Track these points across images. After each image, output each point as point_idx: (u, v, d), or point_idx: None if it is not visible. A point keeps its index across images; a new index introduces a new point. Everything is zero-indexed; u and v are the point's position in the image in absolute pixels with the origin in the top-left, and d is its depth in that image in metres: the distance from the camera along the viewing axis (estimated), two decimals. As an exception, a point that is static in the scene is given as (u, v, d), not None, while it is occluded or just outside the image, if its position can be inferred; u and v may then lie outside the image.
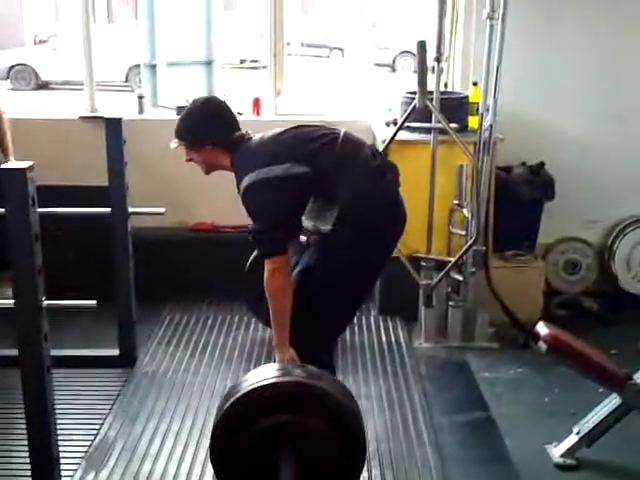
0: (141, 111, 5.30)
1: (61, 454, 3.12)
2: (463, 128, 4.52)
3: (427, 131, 4.48)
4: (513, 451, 3.47)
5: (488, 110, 4.37)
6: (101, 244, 4.13)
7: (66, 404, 3.66)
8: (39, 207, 2.81)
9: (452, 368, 4.33)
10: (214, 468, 2.79)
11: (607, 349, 3.91)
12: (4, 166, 2.84)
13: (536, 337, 3.35)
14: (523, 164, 4.92)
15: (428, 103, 4.26)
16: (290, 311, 3.24)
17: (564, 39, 4.90)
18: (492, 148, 4.42)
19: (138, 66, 9.58)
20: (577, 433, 3.38)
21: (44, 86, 16.90)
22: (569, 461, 3.37)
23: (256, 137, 3.40)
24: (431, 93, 4.34)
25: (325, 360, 3.30)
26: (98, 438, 3.54)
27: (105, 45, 13.61)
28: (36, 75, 17.01)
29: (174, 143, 3.47)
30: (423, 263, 4.55)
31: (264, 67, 5.34)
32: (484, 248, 4.49)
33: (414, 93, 4.32)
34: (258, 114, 5.19)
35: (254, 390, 2.66)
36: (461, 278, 4.52)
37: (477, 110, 4.49)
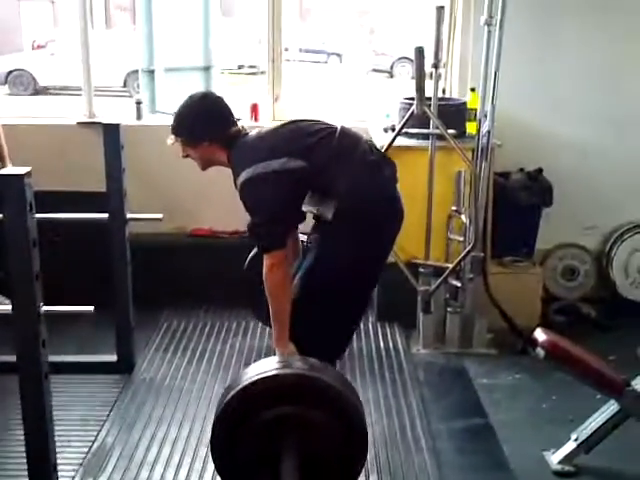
0: (139, 117, 5.30)
1: (59, 460, 3.11)
2: (461, 134, 4.52)
3: (425, 137, 4.48)
4: (511, 458, 3.47)
5: (486, 116, 4.37)
6: (99, 250, 4.12)
7: (64, 410, 3.65)
8: (37, 213, 2.81)
9: (450, 374, 4.32)
10: (215, 462, 2.78)
11: (605, 355, 3.91)
12: (2, 172, 2.83)
13: (534, 343, 3.34)
14: (521, 170, 4.92)
15: (426, 109, 4.26)
16: (290, 306, 3.26)
17: (562, 45, 4.91)
18: (490, 154, 4.43)
19: (136, 71, 9.58)
20: (575, 440, 3.37)
21: (42, 91, 16.90)
22: (567, 468, 3.36)
23: (252, 132, 3.41)
24: (429, 99, 4.34)
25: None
26: (96, 444, 3.53)
27: (103, 50, 13.62)
28: (34, 80, 17.01)
29: (170, 139, 3.46)
30: (421, 269, 4.55)
31: (262, 73, 5.35)
32: (482, 254, 4.50)
33: (412, 99, 4.32)
34: (256, 120, 5.19)
35: (255, 382, 2.65)
36: (459, 284, 4.51)
37: (475, 116, 4.49)
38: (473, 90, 4.65)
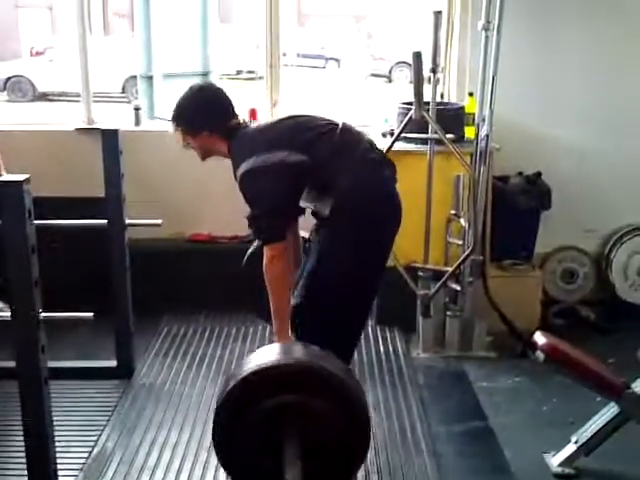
0: (138, 123, 5.31)
1: (59, 466, 3.11)
2: (459, 138, 4.53)
3: (424, 142, 4.49)
4: (511, 460, 3.47)
5: (484, 120, 4.38)
6: (98, 255, 4.12)
7: (64, 416, 3.65)
8: (36, 219, 2.82)
9: (450, 378, 4.33)
10: (217, 452, 2.77)
11: (605, 358, 3.91)
12: (0, 179, 2.84)
13: (534, 346, 3.35)
14: (520, 174, 4.93)
15: (424, 114, 4.26)
16: (289, 298, 3.26)
17: (559, 49, 4.92)
18: (488, 158, 4.44)
19: (134, 77, 9.60)
20: (575, 442, 3.37)
21: (41, 97, 16.91)
22: (567, 470, 3.36)
23: (253, 125, 3.42)
24: (427, 104, 4.34)
25: None
26: (96, 450, 3.53)
27: (101, 57, 13.64)
28: (33, 87, 17.03)
29: (172, 128, 3.45)
30: (420, 273, 4.55)
31: (260, 78, 5.36)
32: (481, 258, 4.50)
33: (410, 104, 4.32)
34: (255, 125, 5.20)
35: (256, 371, 2.65)
36: (459, 288, 4.52)
37: (473, 120, 4.50)
38: (471, 94, 4.66)
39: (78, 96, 5.28)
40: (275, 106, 5.31)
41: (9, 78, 17.04)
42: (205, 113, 3.37)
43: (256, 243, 3.81)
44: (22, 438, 3.00)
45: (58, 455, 3.12)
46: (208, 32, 7.36)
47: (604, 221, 5.17)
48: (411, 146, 4.54)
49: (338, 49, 22.70)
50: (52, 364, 3.00)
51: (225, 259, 4.73)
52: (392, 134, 4.50)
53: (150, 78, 6.89)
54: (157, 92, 6.87)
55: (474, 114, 4.50)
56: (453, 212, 4.44)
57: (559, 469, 3.37)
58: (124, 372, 4.19)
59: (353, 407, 2.70)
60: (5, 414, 3.69)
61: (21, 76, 17.06)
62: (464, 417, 3.90)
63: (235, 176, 3.28)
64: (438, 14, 4.34)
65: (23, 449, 3.01)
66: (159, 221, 4.03)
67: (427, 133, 4.43)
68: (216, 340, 4.70)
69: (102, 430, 3.68)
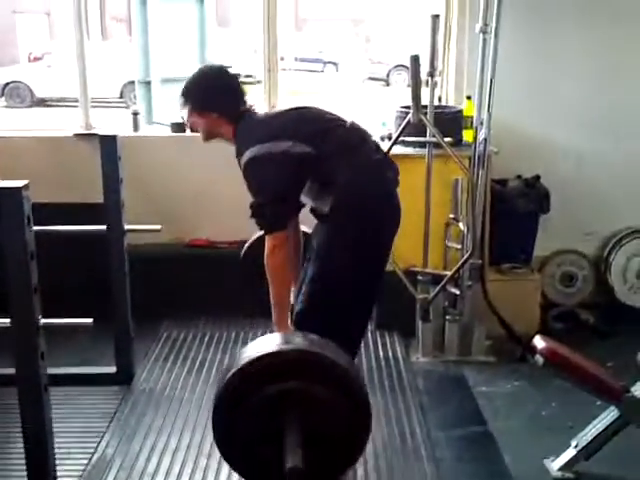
0: (136, 128, 5.30)
1: (59, 472, 3.11)
2: (458, 142, 4.54)
3: (422, 145, 4.49)
4: (511, 465, 3.46)
5: (482, 124, 4.38)
6: (97, 261, 4.12)
7: (63, 422, 3.65)
8: (35, 225, 2.82)
9: (449, 382, 4.32)
10: (217, 442, 2.76)
11: (604, 361, 3.91)
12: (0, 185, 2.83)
13: (533, 350, 3.35)
14: (518, 177, 4.93)
15: (422, 117, 4.26)
16: (290, 288, 3.30)
17: (557, 52, 4.92)
18: (487, 161, 4.44)
19: (133, 82, 9.59)
20: (575, 447, 3.37)
21: (39, 103, 16.91)
22: (567, 475, 3.36)
23: (261, 112, 3.43)
24: (425, 107, 4.34)
25: None
26: (96, 456, 3.52)
27: (99, 62, 13.65)
28: (31, 92, 17.03)
29: (179, 103, 3.43)
30: (419, 277, 4.55)
31: (258, 82, 5.35)
32: (480, 261, 4.50)
33: (408, 107, 4.32)
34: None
35: (256, 359, 2.64)
36: (458, 292, 4.52)
37: (471, 124, 4.50)
38: (469, 98, 4.67)
39: (76, 101, 5.27)
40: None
41: (7, 84, 17.06)
42: (217, 94, 3.36)
43: (254, 236, 3.82)
44: (22, 445, 3.00)
45: (58, 462, 3.12)
46: (206, 36, 7.38)
47: (603, 224, 5.17)
48: (409, 150, 4.54)
49: (336, 53, 22.73)
50: (52, 370, 3.00)
51: (224, 264, 4.73)
52: (390, 138, 4.51)
53: (148, 83, 6.90)
54: (155, 97, 6.88)
55: (472, 117, 4.49)
56: (452, 216, 4.44)
57: (559, 473, 3.37)
58: (124, 378, 4.18)
59: (353, 394, 2.70)
60: (5, 421, 3.68)
61: (19, 82, 17.07)
62: (463, 422, 3.89)
63: (238, 162, 3.27)
64: (436, 18, 4.34)
65: (23, 456, 3.01)
66: (158, 226, 4.04)
67: (425, 137, 4.43)
68: (216, 345, 4.69)
69: (102, 436, 3.68)
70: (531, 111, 4.96)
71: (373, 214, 3.27)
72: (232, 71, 3.52)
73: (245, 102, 3.41)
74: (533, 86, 4.95)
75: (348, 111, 3.51)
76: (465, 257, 4.36)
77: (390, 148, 4.32)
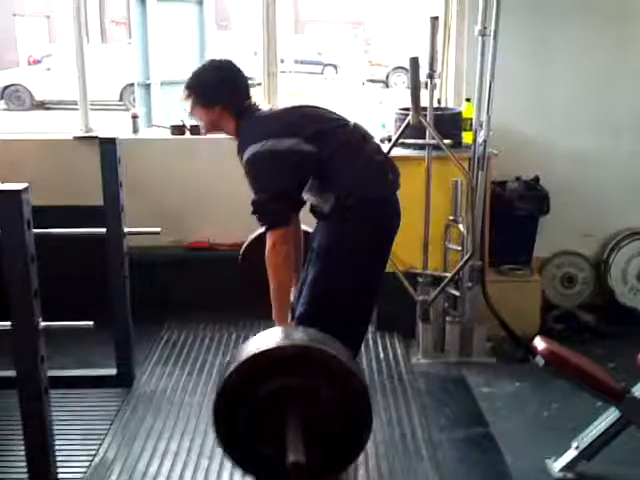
0: (135, 130, 5.30)
1: (60, 475, 3.12)
2: (457, 144, 4.53)
3: (421, 147, 4.49)
4: (513, 466, 3.46)
5: (482, 125, 4.39)
6: (97, 264, 4.12)
7: (64, 425, 3.66)
8: (34, 228, 2.82)
9: (450, 383, 4.32)
10: (218, 438, 2.76)
11: (604, 362, 3.91)
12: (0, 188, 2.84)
13: (534, 351, 3.35)
14: (518, 179, 4.93)
15: (422, 119, 4.26)
16: (290, 285, 3.30)
17: (556, 54, 4.92)
18: (486, 163, 4.44)
19: (132, 85, 9.60)
20: (576, 447, 3.37)
21: (39, 106, 16.93)
22: (569, 475, 3.36)
23: (265, 109, 3.42)
24: (425, 109, 4.34)
25: None
26: (97, 458, 3.52)
27: (99, 64, 13.66)
28: (30, 95, 17.04)
29: (183, 95, 3.41)
30: (420, 279, 4.55)
31: (258, 84, 5.35)
32: (480, 263, 4.50)
33: (407, 109, 4.32)
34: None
35: (256, 355, 2.63)
36: (458, 293, 4.52)
37: (471, 125, 4.50)
38: (468, 100, 4.67)
39: (76, 104, 5.28)
40: (273, 113, 5.30)
41: (7, 87, 17.07)
42: (223, 88, 3.35)
43: (253, 234, 3.82)
44: (23, 448, 3.00)
45: (59, 464, 3.12)
46: (205, 39, 7.39)
47: (602, 225, 5.17)
48: (409, 152, 4.53)
49: (335, 55, 22.74)
50: (52, 373, 3.01)
51: (224, 266, 4.73)
52: (390, 140, 4.51)
53: (148, 86, 6.91)
54: (154, 100, 6.89)
55: (471, 119, 4.50)
56: (451, 218, 4.44)
57: (561, 474, 3.36)
58: (124, 380, 4.18)
59: (354, 389, 2.68)
60: (5, 424, 3.68)
61: (19, 85, 17.08)
62: (464, 423, 3.89)
63: (240, 157, 3.27)
64: (435, 20, 4.34)
65: (24, 459, 3.01)
66: (158, 229, 4.03)
67: (425, 139, 4.43)
68: (216, 347, 4.69)
69: (103, 439, 3.68)
70: (530, 113, 4.96)
71: (374, 215, 3.27)
72: (237, 65, 3.47)
73: (250, 97, 3.39)
74: (532, 88, 4.95)
75: (348, 113, 3.50)
76: (465, 259, 4.36)
77: (390, 150, 4.32)
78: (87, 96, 5.21)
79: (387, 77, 21.40)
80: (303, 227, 3.69)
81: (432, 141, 4.37)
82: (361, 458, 3.48)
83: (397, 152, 4.41)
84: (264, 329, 2.78)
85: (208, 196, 5.11)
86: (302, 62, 20.86)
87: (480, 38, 4.28)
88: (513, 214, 4.80)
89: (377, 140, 3.58)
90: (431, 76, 4.37)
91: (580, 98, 4.99)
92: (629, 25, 4.94)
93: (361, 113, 3.46)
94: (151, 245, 4.69)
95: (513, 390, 4.21)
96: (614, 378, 3.37)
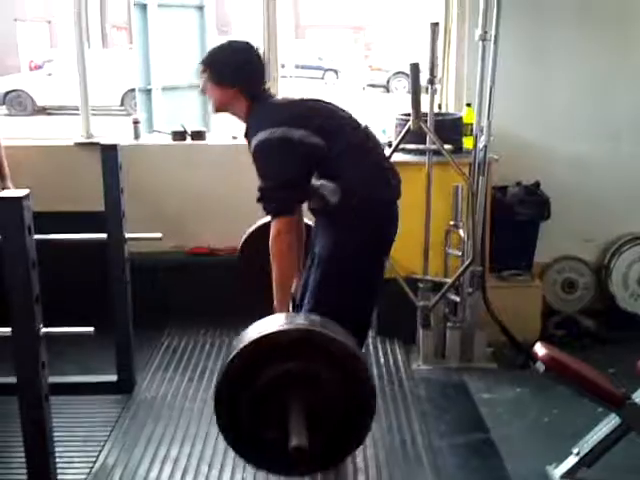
0: (136, 136, 5.31)
1: (60, 482, 3.11)
2: (458, 149, 4.54)
3: (422, 153, 4.49)
4: (513, 473, 3.46)
5: (482, 131, 4.39)
6: (98, 270, 4.13)
7: (65, 431, 3.66)
8: (36, 234, 2.82)
9: (451, 389, 4.31)
10: (219, 426, 2.75)
11: (605, 368, 3.91)
12: (1, 195, 2.84)
13: (534, 357, 3.35)
14: (518, 184, 4.93)
15: (422, 125, 4.27)
16: (293, 273, 3.29)
17: (556, 58, 4.92)
18: (487, 168, 4.44)
19: (133, 90, 9.62)
20: (577, 454, 3.36)
21: (40, 111, 16.95)
22: (569, 482, 3.36)
23: (279, 96, 3.44)
24: (425, 115, 4.35)
25: None
26: (97, 465, 3.52)
27: (100, 70, 13.68)
28: (32, 101, 17.06)
29: (199, 70, 3.39)
30: (420, 284, 4.55)
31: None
32: (481, 268, 4.50)
33: (408, 115, 4.33)
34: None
35: (259, 340, 2.62)
36: (458, 299, 4.51)
37: (471, 131, 4.50)
38: (469, 105, 4.67)
39: (77, 109, 5.28)
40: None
41: (8, 92, 17.09)
42: (240, 70, 3.32)
43: (253, 226, 3.81)
44: (23, 454, 2.99)
45: (59, 471, 3.12)
46: (206, 44, 7.38)
47: (603, 230, 5.17)
48: (409, 157, 4.54)
49: (336, 60, 22.77)
50: (53, 379, 3.00)
51: (225, 271, 4.73)
52: (390, 145, 4.51)
53: (149, 91, 6.91)
54: (156, 105, 6.88)
55: (472, 124, 4.50)
56: (452, 223, 4.44)
57: (561, 481, 3.36)
58: (125, 387, 4.18)
59: (357, 374, 2.67)
60: (6, 430, 3.68)
61: (20, 90, 17.10)
62: (465, 429, 3.89)
63: (247, 141, 3.26)
64: (435, 25, 4.34)
65: (24, 465, 3.00)
66: (159, 235, 4.03)
67: (425, 144, 4.44)
68: (217, 353, 4.69)
69: (103, 445, 3.67)
70: (531, 118, 4.97)
71: (377, 217, 3.28)
72: (258, 49, 3.44)
73: (265, 83, 3.39)
74: (533, 93, 4.96)
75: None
76: (466, 264, 4.36)
77: (390, 155, 4.32)
78: (88, 102, 5.21)
79: (388, 82, 21.43)
80: (305, 220, 3.68)
81: (433, 146, 4.38)
82: (361, 464, 3.50)
83: (398, 157, 4.41)
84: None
85: (209, 202, 5.11)
86: (303, 67, 20.89)
87: (480, 43, 4.28)
88: (514, 219, 4.80)
89: (383, 146, 3.58)
90: (432, 81, 4.37)
91: (580, 103, 4.99)
92: (628, 30, 4.95)
93: (362, 118, 3.44)
94: (152, 250, 4.69)
95: (514, 396, 4.21)
96: (614, 384, 3.37)
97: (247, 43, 3.42)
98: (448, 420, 3.96)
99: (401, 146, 4.39)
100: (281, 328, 2.67)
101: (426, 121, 4.34)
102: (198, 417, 3.94)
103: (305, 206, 3.41)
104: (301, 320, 2.81)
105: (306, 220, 3.68)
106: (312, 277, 3.37)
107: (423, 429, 3.84)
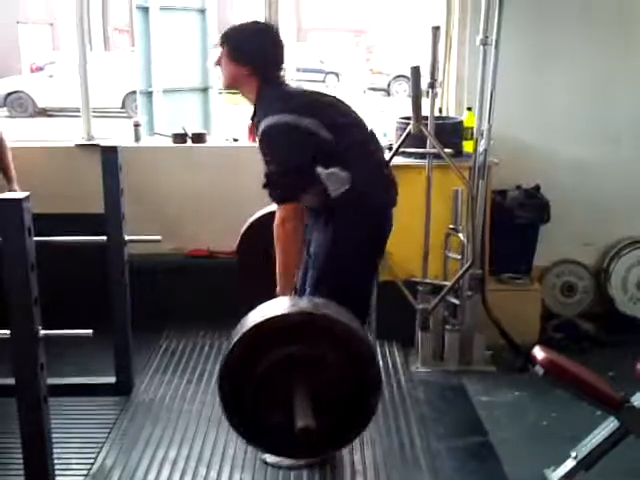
0: (137, 139, 5.31)
1: (58, 483, 3.11)
2: (458, 153, 4.54)
3: (422, 156, 4.49)
4: (511, 476, 3.46)
5: (482, 134, 4.40)
6: (98, 272, 4.13)
7: (63, 433, 3.65)
8: (35, 236, 2.82)
9: (449, 392, 4.31)
10: (224, 411, 2.73)
11: (604, 372, 3.91)
12: (0, 196, 2.84)
13: (533, 361, 3.34)
14: (518, 187, 4.94)
15: (423, 129, 4.27)
16: (297, 259, 3.27)
17: (557, 62, 4.92)
18: (487, 172, 4.45)
19: (135, 92, 9.63)
20: (575, 457, 3.35)
21: (41, 113, 16.96)
22: (568, 485, 3.35)
23: (293, 84, 3.42)
24: (426, 118, 4.35)
25: None
26: (95, 467, 3.52)
27: (102, 72, 13.69)
28: (33, 102, 17.08)
29: (217, 42, 3.39)
30: (419, 287, 4.55)
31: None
32: (480, 272, 4.50)
33: (409, 118, 4.33)
34: (254, 140, 5.17)
35: (261, 323, 2.61)
36: (458, 302, 4.52)
37: (472, 134, 4.51)
38: (469, 109, 4.67)
39: (78, 111, 5.29)
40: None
41: (9, 94, 17.10)
42: (258, 51, 3.32)
43: (255, 215, 3.81)
44: (21, 455, 2.99)
45: (57, 472, 3.12)
46: (207, 47, 7.40)
47: (603, 234, 5.17)
48: (410, 161, 4.54)
49: (337, 63, 22.77)
50: (51, 381, 3.00)
51: (224, 274, 4.74)
52: (390, 149, 4.51)
53: (150, 94, 6.92)
54: (156, 108, 6.89)
55: (472, 128, 4.51)
56: (452, 226, 4.44)
57: (559, 484, 3.36)
58: (123, 388, 4.17)
59: (362, 354, 2.66)
60: (4, 431, 3.67)
61: (21, 92, 17.12)
62: (463, 432, 3.89)
63: (253, 123, 3.27)
64: (436, 29, 4.35)
65: (22, 466, 3.00)
66: (159, 237, 4.02)
67: (425, 147, 4.44)
68: (215, 356, 4.68)
69: (101, 447, 3.67)
70: (531, 122, 4.97)
71: (375, 221, 3.29)
72: (280, 35, 3.44)
73: (281, 69, 3.38)
74: (533, 97, 4.96)
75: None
76: (465, 267, 4.36)
77: (391, 159, 4.32)
78: (89, 104, 5.22)
79: (388, 85, 21.45)
80: None
81: (433, 150, 4.38)
82: (359, 466, 3.50)
83: (398, 161, 4.42)
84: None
85: (208, 204, 5.11)
86: (304, 70, 20.86)
87: (481, 47, 4.29)
88: (513, 223, 4.80)
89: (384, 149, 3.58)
90: (432, 85, 4.38)
91: (580, 106, 4.99)
92: (628, 34, 4.95)
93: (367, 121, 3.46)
94: (151, 253, 4.69)
95: (512, 399, 4.21)
96: (613, 387, 3.37)
97: (271, 26, 3.45)
98: (446, 423, 3.96)
99: (401, 149, 4.40)
100: (284, 311, 2.66)
101: (426, 125, 4.34)
102: (196, 419, 3.94)
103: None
104: (305, 303, 2.79)
105: None
106: (309, 275, 3.38)
107: (421, 431, 3.84)
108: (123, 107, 15.97)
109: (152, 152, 5.24)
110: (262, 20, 3.46)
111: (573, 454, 3.35)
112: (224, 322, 4.85)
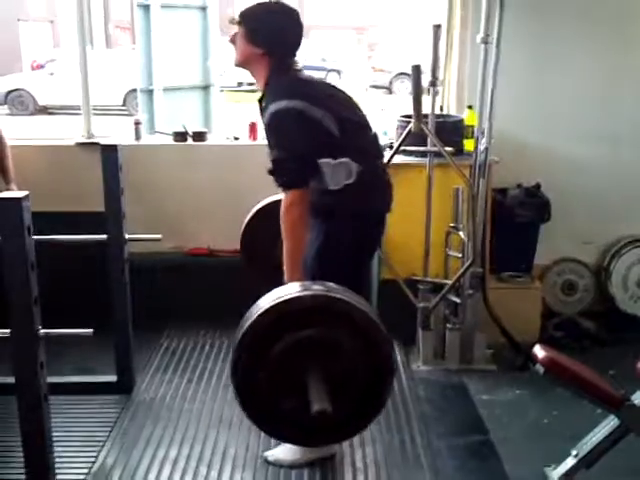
0: (138, 137, 5.30)
1: (59, 482, 3.11)
2: (458, 151, 4.54)
3: (423, 154, 4.49)
4: (512, 474, 3.46)
5: (483, 133, 4.39)
6: (98, 270, 4.13)
7: (63, 431, 3.66)
8: (35, 234, 2.82)
9: (450, 390, 4.32)
10: (238, 396, 2.72)
11: (605, 370, 3.88)
12: (0, 195, 2.84)
13: (534, 359, 3.35)
14: (519, 186, 4.93)
15: (423, 127, 4.27)
16: (304, 245, 3.22)
17: (558, 61, 4.92)
18: (487, 170, 4.44)
19: (135, 90, 9.62)
20: (575, 455, 3.36)
21: (42, 111, 16.96)
22: (568, 484, 3.35)
23: (306, 73, 3.40)
24: (426, 116, 4.35)
25: None
26: (96, 465, 3.52)
27: (103, 69, 13.69)
28: (34, 100, 17.08)
29: (234, 19, 3.34)
30: (420, 286, 4.55)
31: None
32: (481, 270, 4.50)
33: (409, 116, 4.33)
34: (254, 139, 5.18)
35: (274, 307, 2.60)
36: (458, 300, 4.51)
37: (472, 133, 4.50)
38: (470, 107, 4.67)
39: (79, 109, 5.28)
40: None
41: (10, 92, 17.10)
42: (275, 34, 3.28)
43: (256, 207, 3.80)
44: (22, 454, 2.99)
45: (58, 471, 3.12)
46: (209, 45, 7.40)
47: (603, 233, 5.17)
48: (410, 159, 4.54)
49: (339, 60, 22.75)
50: (52, 379, 3.00)
51: (224, 273, 4.75)
52: (391, 147, 4.51)
53: (150, 92, 6.92)
54: (157, 106, 6.89)
55: (473, 126, 4.50)
56: (452, 225, 4.44)
57: (560, 482, 3.36)
58: (124, 387, 4.18)
59: (375, 337, 2.65)
60: (5, 430, 3.68)
61: (22, 89, 17.12)
62: (464, 430, 3.89)
63: (261, 106, 3.25)
64: (437, 28, 4.35)
65: (23, 465, 3.00)
66: (159, 236, 4.02)
67: (426, 146, 4.44)
68: (216, 355, 4.69)
69: (102, 446, 3.68)
70: (532, 120, 4.97)
71: (371, 223, 3.29)
72: (301, 21, 3.39)
73: (295, 55, 3.34)
74: (534, 95, 4.96)
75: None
76: (466, 266, 4.36)
77: (391, 157, 4.33)
78: (90, 102, 5.21)
79: (390, 83, 21.43)
80: None
81: (434, 148, 4.38)
82: (360, 464, 3.51)
83: (399, 159, 4.43)
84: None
85: (209, 202, 5.11)
86: (306, 67, 20.82)
87: (483, 46, 4.29)
88: (514, 221, 4.80)
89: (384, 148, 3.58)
90: (433, 83, 4.38)
91: (581, 105, 4.99)
92: (630, 33, 4.94)
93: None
94: (152, 251, 4.69)
95: (513, 397, 4.21)
96: (613, 386, 3.37)
97: (293, 11, 3.38)
98: (447, 421, 3.96)
99: (402, 148, 4.40)
100: (297, 295, 2.64)
101: (427, 123, 4.34)
102: (197, 418, 3.94)
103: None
104: (317, 287, 2.76)
105: None
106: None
107: (422, 430, 3.84)
108: (124, 105, 15.98)
109: (153, 150, 5.23)
110: (285, 3, 3.42)
111: (574, 452, 3.35)
112: (225, 321, 4.88)
